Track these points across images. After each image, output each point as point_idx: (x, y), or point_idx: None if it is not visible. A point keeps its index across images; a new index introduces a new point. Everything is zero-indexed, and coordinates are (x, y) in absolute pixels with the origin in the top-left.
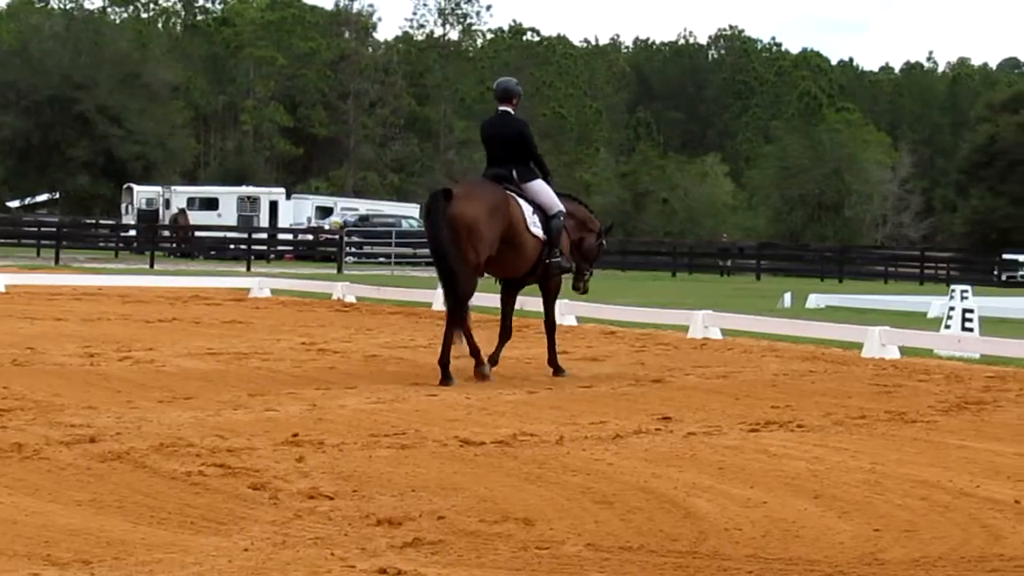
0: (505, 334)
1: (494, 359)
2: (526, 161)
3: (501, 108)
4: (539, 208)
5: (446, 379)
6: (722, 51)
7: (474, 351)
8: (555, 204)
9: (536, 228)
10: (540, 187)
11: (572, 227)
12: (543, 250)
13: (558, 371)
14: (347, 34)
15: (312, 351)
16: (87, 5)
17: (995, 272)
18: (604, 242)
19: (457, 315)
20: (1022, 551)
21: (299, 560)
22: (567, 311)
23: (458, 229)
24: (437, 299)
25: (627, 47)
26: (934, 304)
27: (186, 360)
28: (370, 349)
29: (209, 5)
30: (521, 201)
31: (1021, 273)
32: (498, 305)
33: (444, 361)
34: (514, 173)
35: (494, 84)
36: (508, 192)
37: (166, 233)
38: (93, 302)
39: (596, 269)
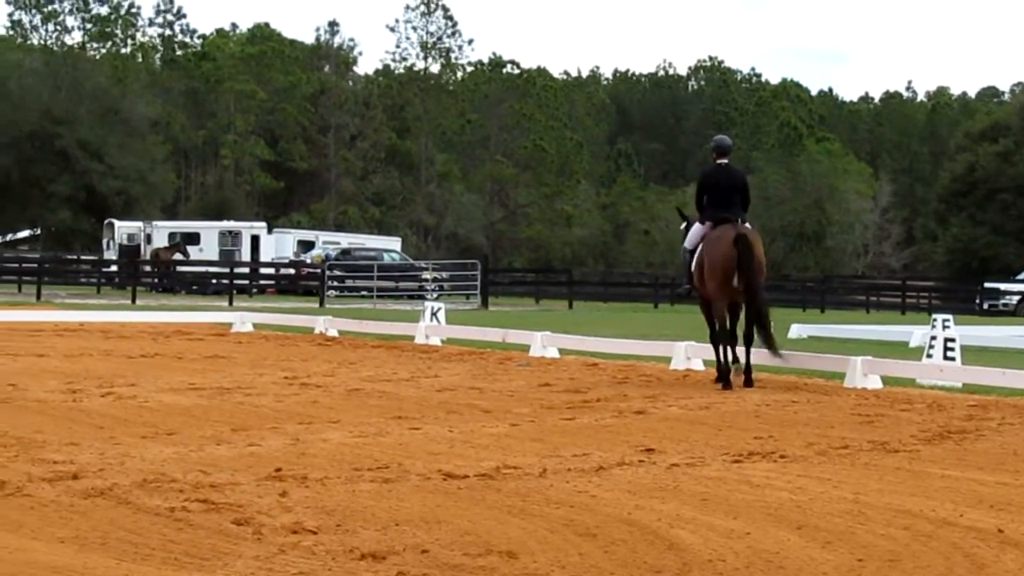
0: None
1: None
2: (742, 204)
3: (720, 160)
4: None
5: (726, 385)
6: (702, 82)
7: (727, 365)
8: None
9: None
10: (750, 227)
11: None
12: None
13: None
14: (327, 68)
15: (295, 385)
16: (66, 41)
17: (977, 301)
18: None
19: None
20: None
21: None
22: (549, 343)
23: (760, 266)
24: (419, 332)
25: (607, 79)
26: (916, 333)
27: (168, 395)
28: (352, 383)
29: (188, 40)
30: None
31: (1003, 302)
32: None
33: (722, 371)
34: (739, 217)
35: (713, 140)
36: None
37: (148, 268)
38: (75, 338)
39: (577, 300)
